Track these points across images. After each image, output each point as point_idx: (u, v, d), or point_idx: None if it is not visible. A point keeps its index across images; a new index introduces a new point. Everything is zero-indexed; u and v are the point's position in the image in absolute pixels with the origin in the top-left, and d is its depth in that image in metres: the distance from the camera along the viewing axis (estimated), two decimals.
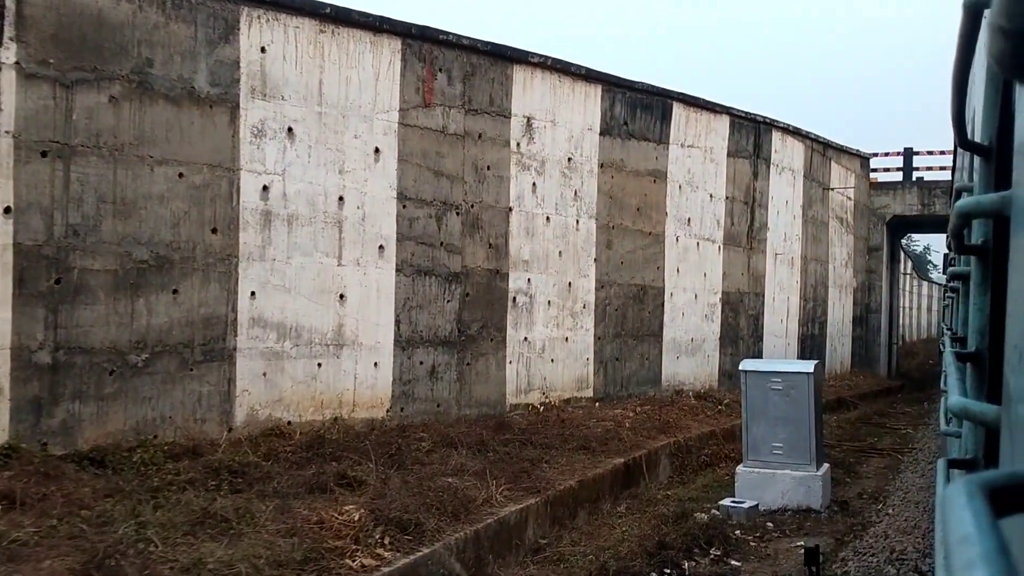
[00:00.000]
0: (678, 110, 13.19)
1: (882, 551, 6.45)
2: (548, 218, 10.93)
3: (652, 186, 12.76)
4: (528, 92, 10.57)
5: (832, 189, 18.84)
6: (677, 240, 13.33)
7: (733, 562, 6.30)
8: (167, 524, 4.74)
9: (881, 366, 21.73)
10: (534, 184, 10.70)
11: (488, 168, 10.04)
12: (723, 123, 14.42)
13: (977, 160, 2.10)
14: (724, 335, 14.66)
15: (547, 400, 10.84)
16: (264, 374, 7.79)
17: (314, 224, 8.21)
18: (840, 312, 19.81)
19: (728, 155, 14.57)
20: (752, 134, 15.27)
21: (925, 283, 43.39)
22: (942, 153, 20.28)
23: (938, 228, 22.03)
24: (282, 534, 4.83)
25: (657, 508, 7.68)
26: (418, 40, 9.15)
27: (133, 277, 6.88)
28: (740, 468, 8.13)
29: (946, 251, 7.13)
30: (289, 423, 7.90)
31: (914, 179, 21.02)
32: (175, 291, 7.14)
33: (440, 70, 9.42)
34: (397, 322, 9.00)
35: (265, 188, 7.81)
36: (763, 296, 15.92)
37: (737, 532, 6.99)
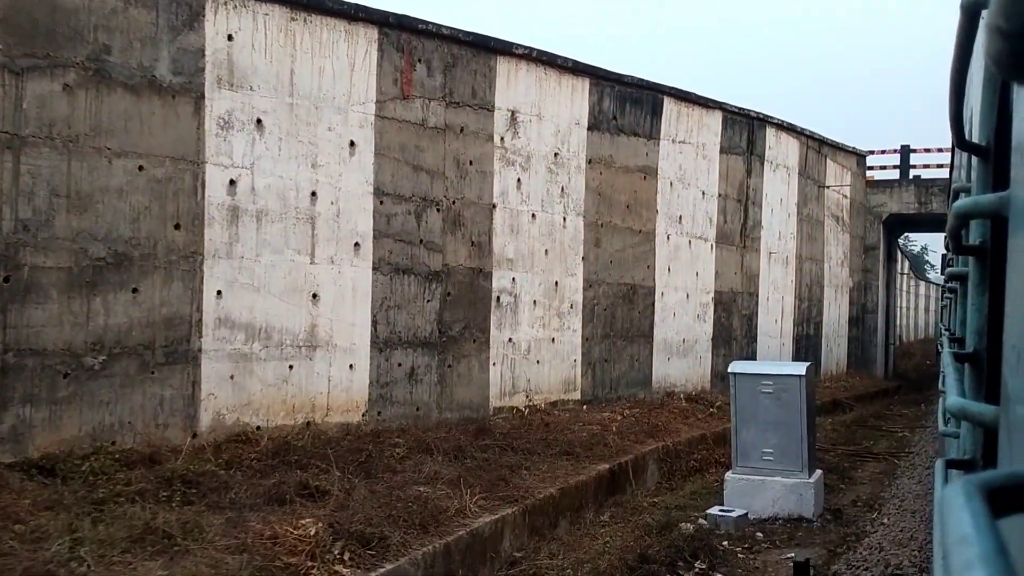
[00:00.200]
0: (669, 105, 12.86)
1: (876, 564, 6.12)
2: (534, 215, 10.59)
3: (642, 183, 12.43)
4: (512, 85, 10.23)
5: (828, 187, 18.52)
6: (668, 238, 13.00)
7: None
8: (106, 540, 4.39)
9: (877, 367, 21.42)
10: (519, 180, 10.36)
11: (471, 163, 9.70)
12: (716, 119, 14.09)
13: (975, 160, 2.07)
14: (717, 336, 14.33)
15: (532, 403, 10.51)
16: (231, 377, 7.44)
17: (285, 220, 7.87)
18: (836, 312, 19.49)
19: (721, 151, 14.24)
20: (745, 130, 14.94)
21: (922, 283, 43.10)
22: (939, 151, 19.97)
23: (935, 227, 21.72)
24: (231, 550, 4.49)
25: (642, 517, 7.35)
26: (396, 29, 8.80)
27: (89, 275, 6.53)
28: (729, 475, 7.80)
29: (944, 251, 6.96)
30: (258, 428, 7.56)
31: (911, 177, 20.70)
32: (135, 290, 6.79)
33: (419, 61, 9.08)
34: (374, 322, 8.66)
35: (232, 182, 7.46)
36: (757, 296, 15.60)
37: (724, 543, 6.66)
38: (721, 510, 7.33)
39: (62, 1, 6.39)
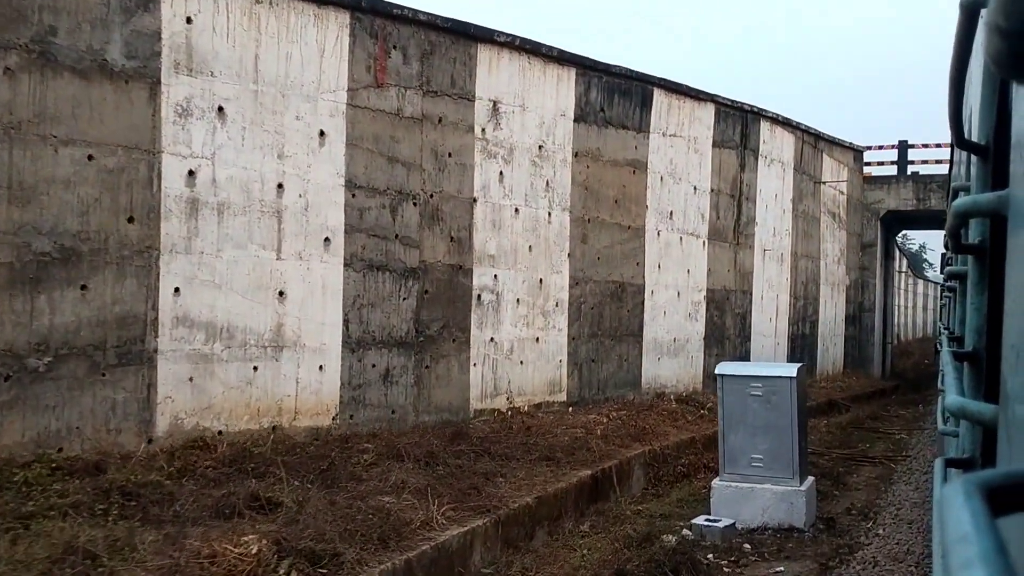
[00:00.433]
0: (659, 97, 12.46)
1: None
2: (517, 210, 10.19)
3: (631, 177, 12.03)
4: (494, 74, 9.82)
5: (824, 183, 18.12)
6: (658, 234, 12.60)
7: None
8: (23, 562, 3.99)
9: (875, 366, 21.04)
10: (501, 173, 9.96)
11: (450, 155, 9.30)
12: (708, 111, 13.69)
13: (974, 159, 2.06)
14: (709, 335, 13.94)
15: (515, 405, 10.12)
16: (191, 379, 7.04)
17: (249, 214, 7.46)
18: (832, 311, 19.10)
19: (713, 145, 13.84)
20: (739, 124, 14.54)
21: (920, 281, 42.73)
22: (938, 146, 19.58)
23: (934, 224, 21.33)
24: (162, 572, 4.09)
25: (624, 527, 6.95)
26: (368, 14, 8.40)
27: (33, 271, 6.13)
28: (716, 482, 7.40)
29: (943, 250, 6.78)
30: (220, 433, 7.16)
31: (909, 173, 20.31)
32: (84, 287, 6.39)
33: (394, 48, 8.68)
34: (346, 321, 8.26)
35: (191, 173, 7.06)
36: (751, 294, 15.21)
37: (710, 556, 6.26)
38: (707, 520, 6.94)
39: None
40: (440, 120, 9.16)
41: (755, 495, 7.18)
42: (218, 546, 4.33)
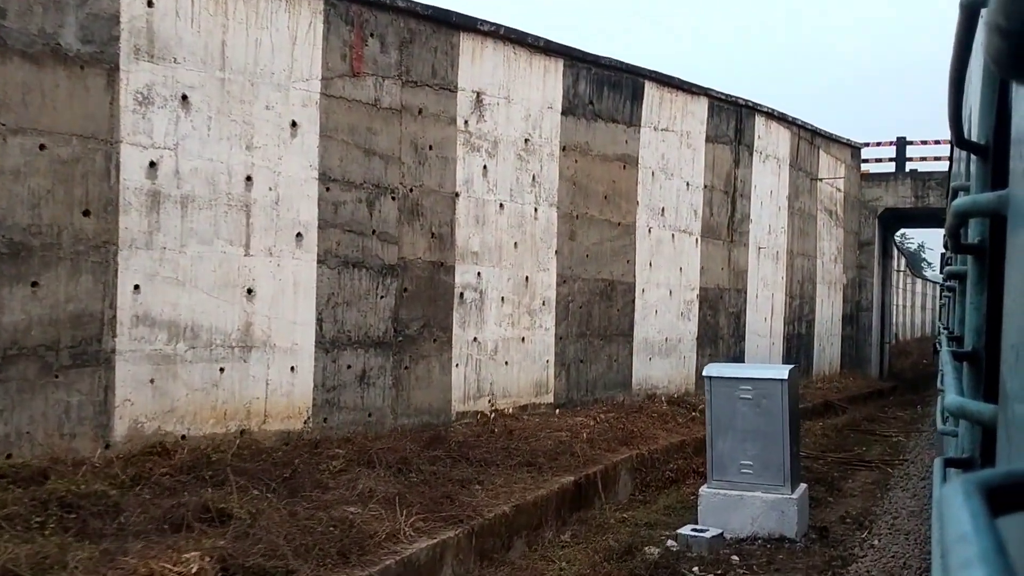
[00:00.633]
0: (651, 90, 12.12)
1: None
2: (502, 205, 9.85)
3: (621, 172, 11.69)
4: (477, 64, 9.48)
5: (821, 180, 17.79)
6: (650, 231, 12.26)
7: None
8: None
9: (872, 366, 20.71)
10: (485, 167, 9.62)
11: (430, 148, 8.96)
12: (701, 105, 13.35)
13: (974, 159, 2.06)
14: (702, 335, 13.60)
15: (500, 407, 9.78)
16: (151, 381, 6.70)
17: (215, 207, 7.12)
18: (829, 310, 18.77)
19: (707, 140, 13.50)
20: (733, 118, 14.20)
21: (919, 280, 42.42)
22: (936, 143, 19.26)
23: (932, 222, 20.99)
24: None
25: (606, 537, 6.62)
26: (344, 1, 8.05)
27: None
28: (704, 489, 7.07)
29: (943, 250, 6.81)
30: (183, 437, 6.82)
31: (907, 170, 19.97)
32: (35, 284, 6.04)
33: (372, 35, 8.33)
34: (319, 321, 7.92)
35: (153, 164, 6.71)
36: (745, 293, 14.87)
37: (695, 569, 5.93)
38: (694, 530, 6.60)
39: None
40: (420, 111, 8.82)
41: (744, 503, 6.85)
42: (156, 564, 3.99)
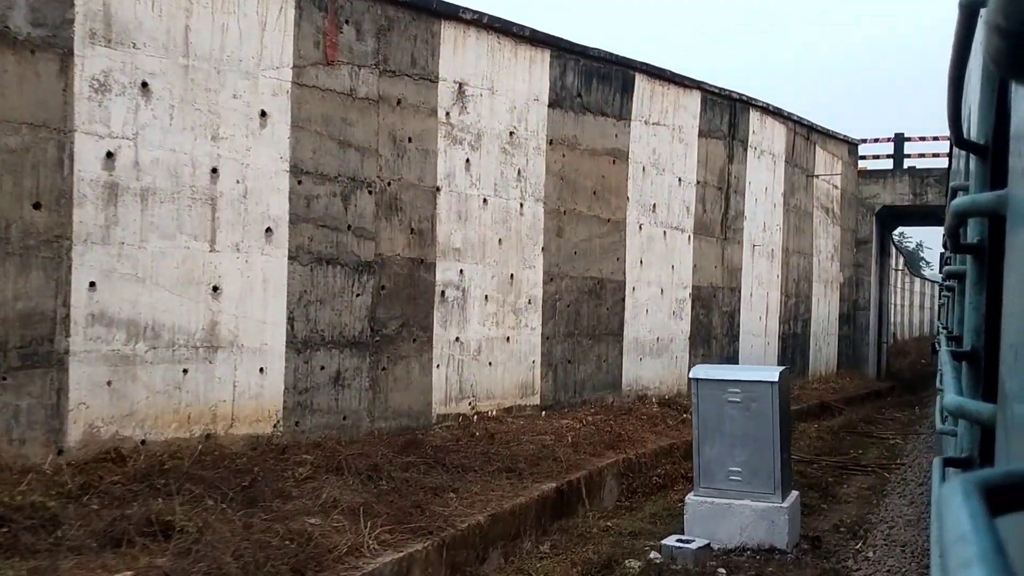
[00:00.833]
0: (641, 83, 11.78)
1: None
2: (485, 200, 9.51)
3: (611, 167, 11.35)
4: (460, 54, 9.14)
5: (817, 176, 17.46)
6: (640, 228, 11.93)
7: None
8: None
9: (870, 366, 20.39)
10: (468, 160, 9.28)
11: (410, 140, 8.62)
12: (694, 99, 13.01)
13: (973, 159, 2.02)
14: (695, 334, 13.27)
15: (483, 410, 9.44)
16: (109, 383, 6.36)
17: (178, 200, 6.78)
18: (825, 309, 18.45)
19: (700, 135, 13.16)
20: (727, 113, 13.86)
21: (917, 279, 42.10)
22: (935, 139, 18.93)
23: (931, 219, 20.68)
24: None
25: (587, 547, 6.29)
26: None
27: None
28: (690, 497, 6.74)
29: (942, 249, 6.83)
30: (143, 442, 6.47)
31: (905, 167, 19.65)
32: None
33: (347, 22, 7.99)
34: (291, 320, 7.58)
35: (110, 155, 6.37)
36: (739, 291, 14.54)
37: None
38: (679, 540, 6.26)
39: None
40: (399, 102, 8.48)
41: (733, 512, 6.52)
42: None
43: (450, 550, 5.63)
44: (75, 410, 6.18)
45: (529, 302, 10.16)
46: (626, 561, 5.79)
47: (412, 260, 8.69)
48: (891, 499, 8.39)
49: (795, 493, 6.87)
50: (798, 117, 16.52)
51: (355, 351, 8.13)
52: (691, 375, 6.93)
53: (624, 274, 11.65)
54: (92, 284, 6.26)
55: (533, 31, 10.03)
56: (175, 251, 6.75)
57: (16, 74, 5.88)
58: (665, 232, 12.45)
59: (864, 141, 19.83)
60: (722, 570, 5.95)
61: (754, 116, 14.72)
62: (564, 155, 10.58)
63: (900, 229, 32.57)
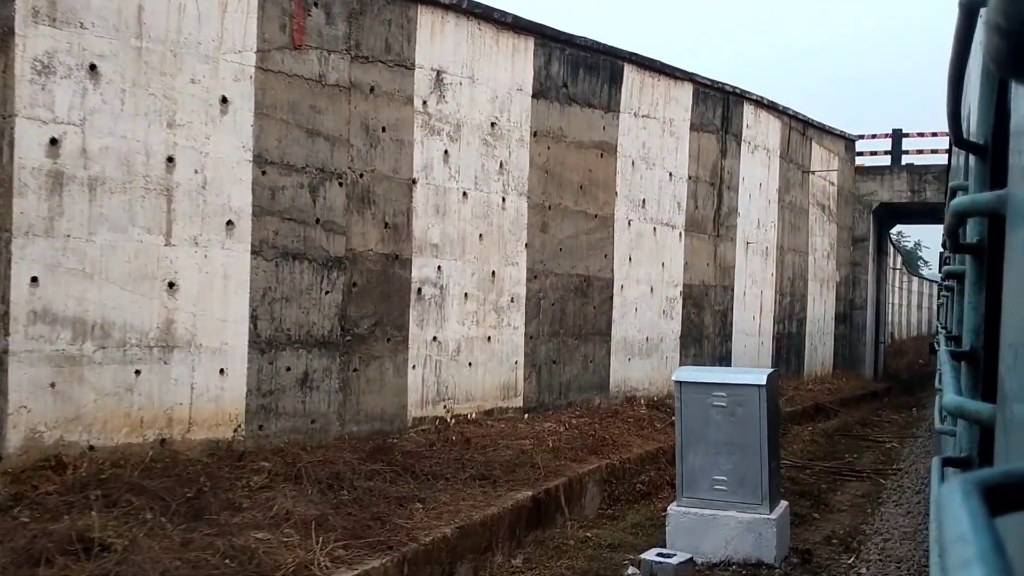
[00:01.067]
0: (631, 73, 11.39)
1: None
2: (465, 194, 9.11)
3: (599, 161, 10.96)
4: (438, 40, 8.74)
5: (813, 172, 17.07)
6: (629, 224, 11.53)
7: None
8: None
9: (866, 367, 20.02)
10: (446, 152, 8.88)
11: (384, 130, 8.22)
12: (685, 91, 12.61)
13: (972, 158, 2.01)
14: (686, 334, 12.88)
15: (462, 412, 9.05)
16: (53, 385, 5.96)
17: (130, 191, 6.38)
18: (821, 308, 18.06)
19: (691, 129, 12.77)
20: (720, 106, 13.47)
21: (915, 278, 41.75)
22: (934, 135, 18.56)
23: (929, 217, 20.30)
24: None
25: (561, 561, 5.90)
26: None
27: None
28: (673, 508, 6.35)
29: (940, 248, 6.66)
30: (92, 448, 6.08)
31: (903, 164, 19.26)
32: None
33: (315, 5, 7.58)
34: (253, 318, 7.18)
35: (55, 141, 5.97)
36: (732, 290, 14.15)
37: None
38: (659, 554, 5.87)
39: None
40: (372, 90, 8.08)
41: (717, 523, 6.13)
42: None
43: (412, 566, 5.24)
44: (15, 414, 5.78)
45: (512, 300, 9.77)
46: None
47: (386, 256, 8.29)
48: (887, 508, 8.00)
49: (784, 503, 6.48)
50: (794, 111, 16.13)
51: (324, 351, 7.73)
52: (674, 377, 6.54)
53: (612, 272, 11.26)
54: (34, 279, 5.86)
55: (516, 18, 9.64)
56: (127, 245, 6.35)
57: None
58: (655, 228, 12.06)
59: (862, 137, 19.45)
60: None
61: (748, 110, 14.33)
62: (549, 147, 10.18)
63: (898, 227, 32.22)
